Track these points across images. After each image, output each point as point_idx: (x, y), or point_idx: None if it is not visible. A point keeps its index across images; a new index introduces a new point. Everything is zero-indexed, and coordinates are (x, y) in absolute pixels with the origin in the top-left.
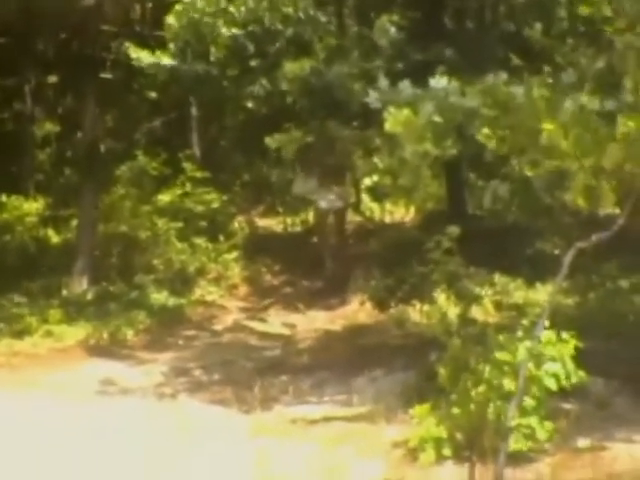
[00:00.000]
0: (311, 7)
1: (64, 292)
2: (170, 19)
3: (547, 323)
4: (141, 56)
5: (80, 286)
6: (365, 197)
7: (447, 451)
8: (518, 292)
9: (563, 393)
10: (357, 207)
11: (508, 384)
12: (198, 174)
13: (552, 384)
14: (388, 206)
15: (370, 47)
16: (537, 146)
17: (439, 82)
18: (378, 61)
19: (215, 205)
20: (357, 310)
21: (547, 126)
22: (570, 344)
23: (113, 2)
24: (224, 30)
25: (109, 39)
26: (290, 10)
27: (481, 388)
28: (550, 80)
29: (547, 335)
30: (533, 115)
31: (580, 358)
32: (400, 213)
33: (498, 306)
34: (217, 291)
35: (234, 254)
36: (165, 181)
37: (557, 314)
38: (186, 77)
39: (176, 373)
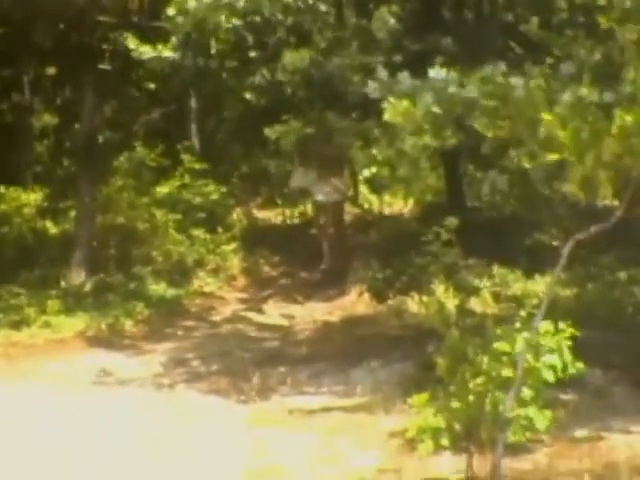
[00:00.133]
0: None
1: (62, 283)
2: (170, 10)
3: (545, 314)
4: (142, 50)
5: (78, 277)
6: (363, 189)
7: (445, 441)
8: (516, 283)
9: (561, 384)
10: (355, 200)
11: (506, 375)
12: (197, 166)
13: (550, 375)
14: (387, 198)
15: (369, 38)
16: (535, 138)
17: (438, 73)
18: (377, 53)
19: (214, 197)
20: (355, 301)
21: (545, 117)
22: (568, 335)
23: None
24: (224, 22)
25: (107, 30)
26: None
27: (479, 379)
28: (549, 71)
29: (545, 326)
30: (531, 106)
31: (578, 349)
32: (398, 205)
33: (496, 297)
34: (215, 282)
35: (232, 245)
36: (164, 172)
37: (555, 305)
38: (187, 70)
39: (174, 363)
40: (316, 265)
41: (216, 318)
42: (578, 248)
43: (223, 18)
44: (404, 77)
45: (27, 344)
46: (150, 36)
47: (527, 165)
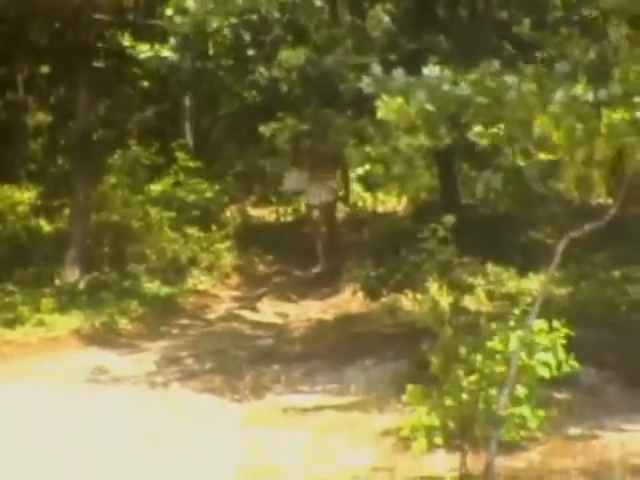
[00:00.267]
0: None
1: (56, 281)
2: (168, 10)
3: (539, 312)
4: (140, 49)
5: (72, 275)
6: (357, 187)
7: (439, 440)
8: (510, 281)
9: (555, 382)
10: (346, 200)
11: (500, 373)
12: (191, 164)
13: (544, 373)
14: (380, 196)
15: (364, 37)
16: (529, 137)
17: (432, 71)
18: (372, 51)
19: (208, 195)
20: (349, 299)
21: (539, 118)
22: (562, 333)
23: None
24: (223, 22)
25: (102, 28)
26: None
27: (473, 377)
28: (543, 70)
29: (539, 324)
30: (525, 106)
31: (572, 347)
32: (392, 203)
33: (490, 295)
34: (209, 280)
35: (226, 244)
36: (158, 170)
37: (549, 304)
38: (185, 71)
39: (168, 362)
40: (310, 263)
41: (210, 316)
42: (572, 246)
43: (223, 20)
44: (398, 74)
45: (21, 342)
46: (145, 34)
47: (521, 163)
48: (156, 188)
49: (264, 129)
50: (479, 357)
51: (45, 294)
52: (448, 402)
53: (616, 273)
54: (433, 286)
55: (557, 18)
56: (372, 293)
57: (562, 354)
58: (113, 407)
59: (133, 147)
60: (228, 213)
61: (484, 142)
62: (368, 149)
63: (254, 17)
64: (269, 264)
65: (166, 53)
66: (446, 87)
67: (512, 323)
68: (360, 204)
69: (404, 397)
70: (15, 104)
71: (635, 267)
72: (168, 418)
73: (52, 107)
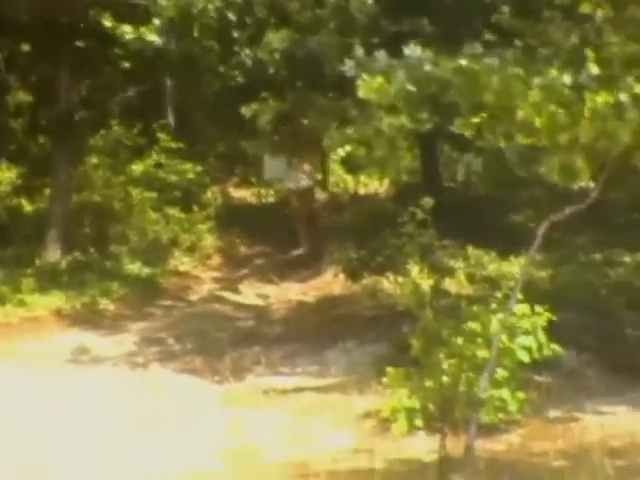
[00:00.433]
0: None
1: (37, 261)
2: None
3: (520, 296)
4: (124, 30)
5: (53, 255)
6: (338, 169)
7: (419, 422)
8: (491, 265)
9: (535, 365)
10: (324, 185)
11: (480, 356)
12: (172, 144)
13: (524, 356)
14: (362, 178)
15: (347, 18)
16: (512, 121)
17: (413, 51)
18: (355, 33)
19: (189, 176)
20: (331, 282)
21: (521, 104)
22: (543, 316)
23: None
24: (208, 3)
25: (85, 7)
26: None
27: (453, 360)
28: (524, 55)
29: (520, 308)
30: (508, 90)
31: (552, 330)
32: (374, 185)
33: (471, 278)
34: (191, 261)
35: (208, 225)
36: (139, 151)
37: (530, 287)
38: (171, 54)
39: (149, 343)
40: (292, 245)
41: (191, 297)
42: (553, 230)
43: (207, 1)
44: (381, 56)
45: (1, 322)
46: (128, 14)
47: (502, 145)
48: (137, 168)
49: (245, 110)
50: (460, 340)
51: (26, 274)
52: (428, 384)
53: (597, 256)
54: (414, 269)
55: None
56: (353, 275)
57: (543, 337)
58: (93, 387)
59: (115, 127)
60: (210, 194)
61: (468, 132)
62: (350, 131)
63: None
64: (250, 245)
65: (151, 35)
66: (427, 68)
67: (493, 306)
68: (342, 186)
69: (384, 379)
70: None
71: (616, 250)
72: (148, 399)
73: (33, 86)
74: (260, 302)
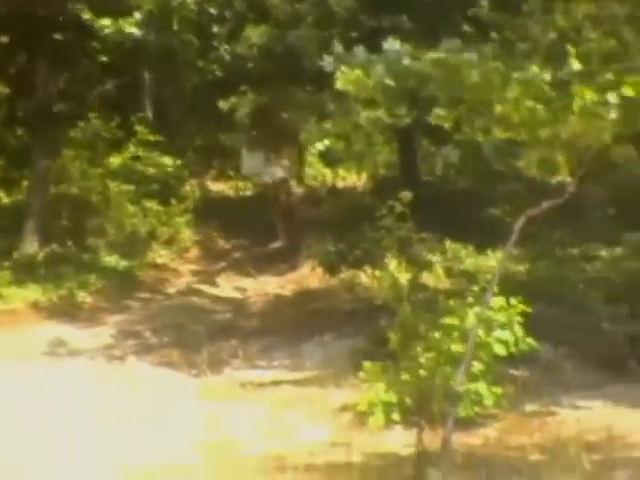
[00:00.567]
0: None
1: (14, 254)
2: None
3: (497, 290)
4: (103, 23)
5: (31, 248)
6: (317, 163)
7: (396, 416)
8: (469, 259)
9: (512, 359)
10: (300, 178)
11: (457, 350)
12: (150, 137)
13: (501, 350)
14: (340, 172)
15: (326, 12)
16: (490, 115)
17: (392, 45)
18: (333, 27)
19: (168, 169)
20: (308, 275)
21: (501, 100)
22: (518, 309)
23: None
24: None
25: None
26: None
27: (431, 354)
28: (502, 49)
29: (497, 301)
30: (487, 85)
31: (529, 325)
32: (352, 179)
33: (449, 272)
34: (168, 254)
35: (186, 218)
36: (117, 144)
37: (507, 281)
38: (151, 46)
39: (126, 335)
40: (269, 238)
41: (169, 290)
42: (530, 224)
43: None
44: (360, 51)
45: None
46: (107, 7)
47: (480, 139)
48: (115, 161)
49: (223, 103)
50: (437, 334)
51: (3, 267)
52: (405, 378)
53: (574, 251)
54: (392, 262)
55: None
56: (331, 269)
57: (519, 331)
58: (70, 380)
59: (93, 120)
60: (188, 187)
61: (446, 124)
62: (328, 125)
63: None
64: (228, 239)
65: (130, 28)
66: (406, 62)
67: (470, 300)
68: (320, 180)
69: (361, 373)
70: None
71: (592, 245)
72: (125, 392)
73: (11, 78)
74: (238, 295)
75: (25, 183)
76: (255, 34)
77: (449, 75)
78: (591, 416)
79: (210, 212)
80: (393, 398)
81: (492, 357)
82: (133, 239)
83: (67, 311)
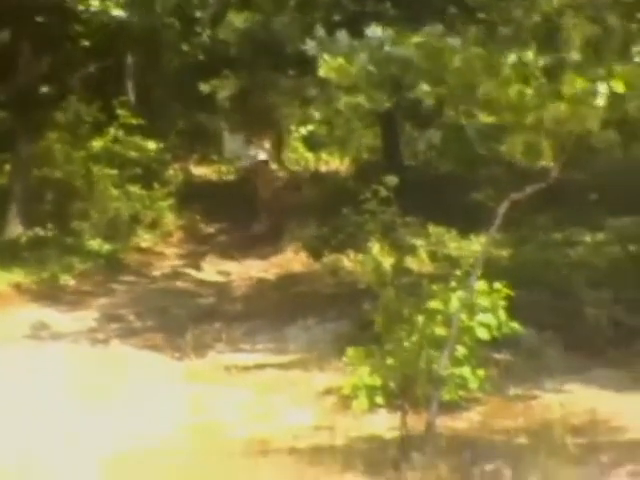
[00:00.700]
0: None
1: None
2: None
3: (481, 274)
4: (91, 4)
5: (14, 231)
6: (300, 147)
7: (380, 399)
8: (452, 243)
9: (495, 343)
10: (283, 162)
11: (441, 334)
12: (133, 121)
13: (484, 334)
14: (324, 156)
15: None
16: (473, 99)
17: (374, 31)
18: (316, 11)
19: (150, 153)
20: (291, 259)
21: (485, 82)
22: (502, 295)
23: None
24: None
25: None
26: None
27: (414, 337)
28: (485, 33)
29: (480, 286)
30: (470, 69)
31: (512, 309)
32: (335, 163)
33: (432, 256)
34: (152, 238)
35: (169, 201)
36: (99, 127)
37: (490, 265)
38: (135, 28)
39: (110, 319)
40: (253, 222)
41: (153, 274)
42: (514, 208)
43: None
44: (342, 36)
45: None
46: None
47: (464, 122)
48: (97, 144)
49: (204, 87)
50: (420, 318)
51: None
52: (389, 362)
53: (557, 235)
54: (375, 246)
55: None
56: (314, 253)
57: (502, 315)
58: (53, 363)
59: (75, 103)
60: (171, 171)
61: (429, 101)
62: (311, 110)
63: None
64: (211, 222)
65: (116, 12)
66: (388, 48)
67: (453, 284)
68: (303, 164)
69: (345, 356)
70: None
71: (576, 229)
72: (109, 375)
73: None
74: (221, 279)
75: (8, 167)
76: (238, 19)
77: (431, 59)
78: (575, 400)
79: (193, 196)
80: (377, 382)
81: (475, 341)
82: (116, 223)
83: (50, 294)
